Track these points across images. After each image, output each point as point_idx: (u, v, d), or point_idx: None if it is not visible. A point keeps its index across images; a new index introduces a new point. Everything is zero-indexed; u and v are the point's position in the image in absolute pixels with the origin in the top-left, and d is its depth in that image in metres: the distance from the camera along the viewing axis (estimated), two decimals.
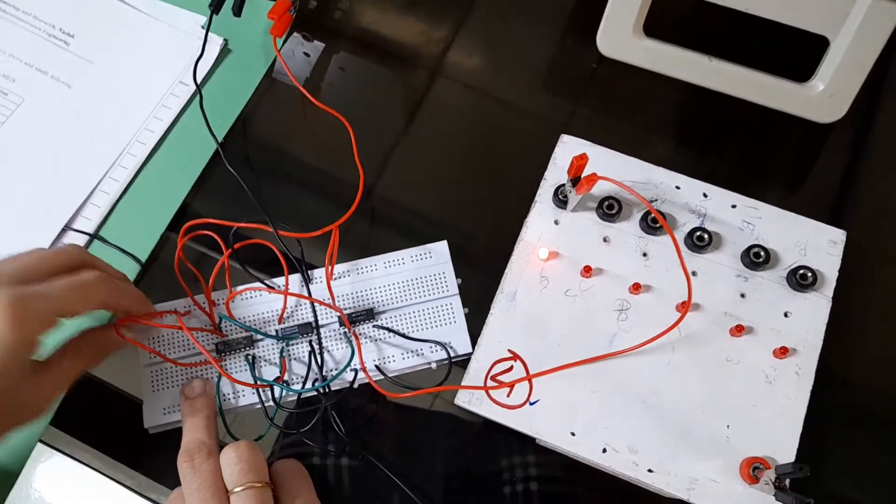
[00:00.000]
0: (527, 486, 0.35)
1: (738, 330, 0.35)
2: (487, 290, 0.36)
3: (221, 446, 0.31)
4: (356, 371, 0.35)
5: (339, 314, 0.36)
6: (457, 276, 0.37)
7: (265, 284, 0.37)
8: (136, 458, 0.35)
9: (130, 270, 0.38)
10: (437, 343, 0.36)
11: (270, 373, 0.35)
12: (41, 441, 0.35)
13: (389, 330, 0.36)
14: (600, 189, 0.37)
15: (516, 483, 0.35)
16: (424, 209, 0.40)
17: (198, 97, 0.41)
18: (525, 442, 0.35)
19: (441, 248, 0.38)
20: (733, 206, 0.38)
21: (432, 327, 0.36)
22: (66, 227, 0.39)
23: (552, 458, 0.35)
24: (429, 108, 0.43)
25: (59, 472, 0.35)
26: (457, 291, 0.37)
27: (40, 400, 0.30)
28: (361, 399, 0.36)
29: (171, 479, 0.34)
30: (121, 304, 0.33)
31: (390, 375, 0.35)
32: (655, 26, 0.42)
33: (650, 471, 0.33)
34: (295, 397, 0.35)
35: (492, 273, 0.37)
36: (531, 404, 0.34)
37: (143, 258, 0.38)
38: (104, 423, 0.36)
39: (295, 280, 0.37)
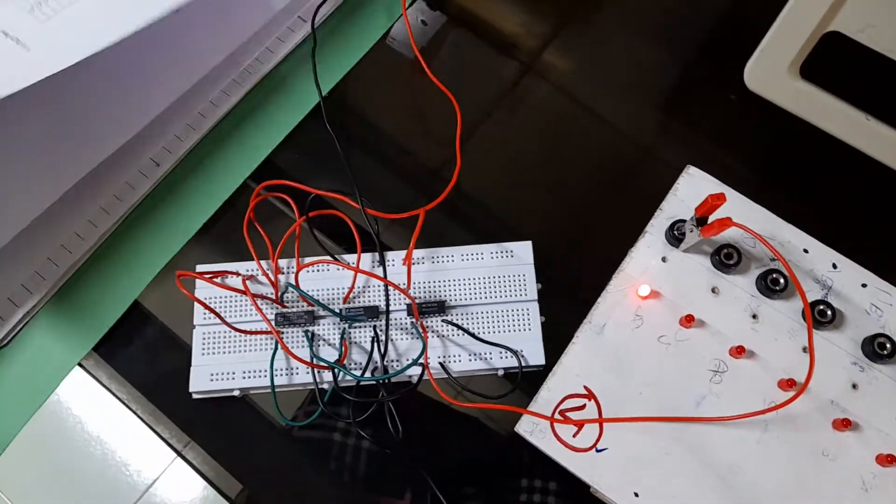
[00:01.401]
0: None
1: (844, 424, 0.31)
2: (569, 309, 0.33)
3: (269, 427, 0.29)
4: (422, 367, 0.32)
5: (410, 302, 0.33)
6: (538, 282, 0.34)
7: (336, 259, 0.34)
8: (173, 407, 0.33)
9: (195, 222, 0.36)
10: (508, 349, 0.33)
11: (326, 353, 0.33)
12: (80, 365, 0.34)
13: (459, 327, 0.33)
14: (721, 234, 0.34)
15: None
16: (513, 209, 0.37)
17: (311, 43, 0.38)
18: (549, 468, 0.32)
19: (524, 249, 0.35)
20: (864, 286, 0.34)
21: (505, 331, 0.34)
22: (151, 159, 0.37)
23: (574, 490, 0.32)
24: (539, 108, 0.40)
25: (90, 397, 0.34)
26: (535, 297, 0.34)
27: None
28: (419, 395, 0.33)
29: (200, 434, 0.33)
30: None
31: (454, 376, 0.33)
32: (813, 69, 0.38)
33: None
34: (348, 383, 0.33)
35: (577, 293, 0.34)
36: (598, 451, 0.31)
37: (219, 203, 0.36)
38: (152, 363, 0.34)
39: (366, 260, 0.35)
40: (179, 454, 0.33)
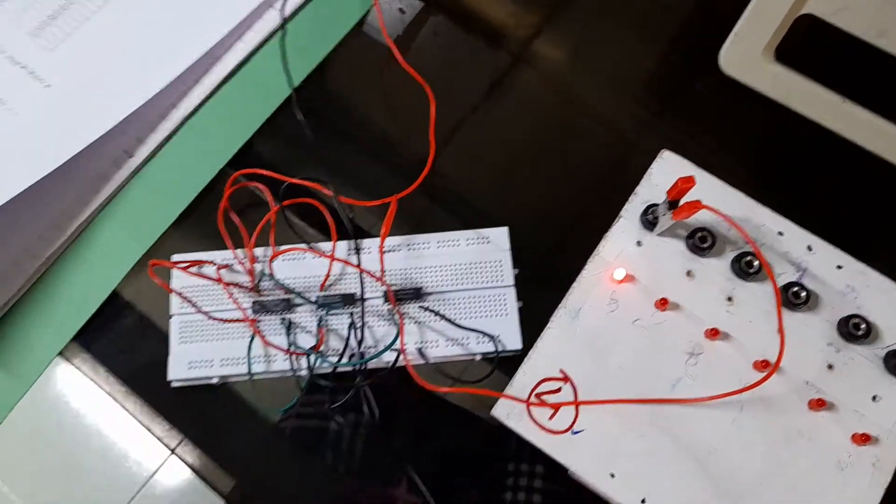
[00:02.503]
0: (529, 498, 0.32)
1: (819, 404, 0.31)
2: (545, 294, 0.34)
3: (245, 415, 0.29)
4: (397, 352, 0.32)
5: (385, 289, 0.33)
6: (514, 267, 0.35)
7: (311, 247, 0.34)
8: (156, 398, 0.33)
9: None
10: (485, 334, 0.33)
11: (304, 341, 0.33)
12: (61, 355, 0.34)
13: (436, 313, 0.33)
14: (695, 217, 0.34)
15: (518, 492, 0.32)
16: (490, 196, 0.37)
17: (280, 33, 0.38)
18: (527, 452, 0.32)
19: (500, 235, 0.35)
20: (839, 267, 0.34)
21: (481, 317, 0.34)
22: (125, 152, 0.37)
23: (553, 473, 0.32)
24: (516, 95, 0.39)
25: (74, 388, 0.34)
26: (512, 282, 0.34)
27: None
28: (396, 381, 0.33)
29: (186, 425, 0.33)
30: None
31: (431, 361, 0.33)
32: (788, 52, 0.38)
33: None
34: (325, 370, 0.33)
35: (553, 278, 0.34)
36: (574, 433, 0.31)
37: (195, 192, 0.36)
38: (132, 352, 0.34)
39: (342, 247, 0.35)
40: (161, 442, 0.33)
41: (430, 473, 0.32)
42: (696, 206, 0.29)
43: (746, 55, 0.38)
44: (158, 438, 0.33)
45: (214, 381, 0.33)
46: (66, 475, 0.32)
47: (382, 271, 0.33)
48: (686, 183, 0.29)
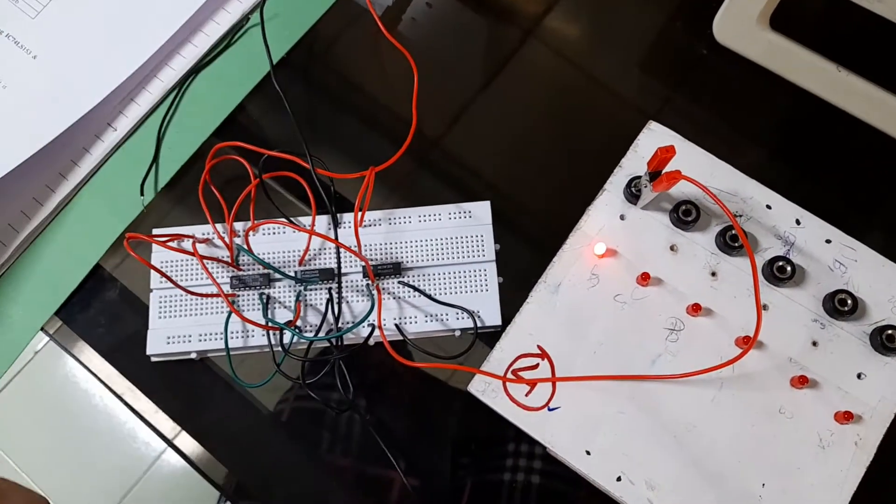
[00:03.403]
0: (528, 477, 0.32)
1: (801, 381, 0.31)
2: (527, 269, 0.33)
3: (224, 390, 0.29)
4: (373, 327, 0.32)
5: (364, 264, 0.33)
6: (496, 243, 0.34)
7: (290, 221, 0.34)
8: (138, 375, 0.34)
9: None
10: (464, 310, 0.33)
11: (283, 316, 0.33)
12: (47, 333, 0.34)
13: (415, 289, 0.33)
14: (679, 190, 0.33)
15: (518, 472, 0.32)
16: (480, 170, 0.37)
17: (261, 5, 0.37)
18: (505, 428, 0.32)
19: (482, 209, 0.34)
20: (827, 241, 0.33)
21: (461, 292, 0.33)
22: (109, 125, 0.37)
23: (532, 450, 0.32)
24: (503, 69, 0.39)
25: (56, 364, 0.34)
26: (493, 258, 0.34)
27: None
28: (375, 357, 0.33)
29: (168, 404, 0.33)
30: None
31: (409, 337, 0.33)
32: (783, 20, 0.36)
33: None
34: (305, 345, 0.33)
35: (536, 252, 0.34)
36: (550, 410, 0.31)
37: (179, 165, 0.36)
38: (115, 327, 0.34)
39: (323, 221, 0.34)
40: (140, 416, 0.33)
41: (407, 449, 0.32)
42: (675, 176, 0.29)
43: (740, 23, 0.36)
44: (137, 413, 0.33)
45: (193, 356, 0.33)
46: (43, 450, 0.33)
47: (359, 245, 0.33)
48: (665, 153, 0.28)
